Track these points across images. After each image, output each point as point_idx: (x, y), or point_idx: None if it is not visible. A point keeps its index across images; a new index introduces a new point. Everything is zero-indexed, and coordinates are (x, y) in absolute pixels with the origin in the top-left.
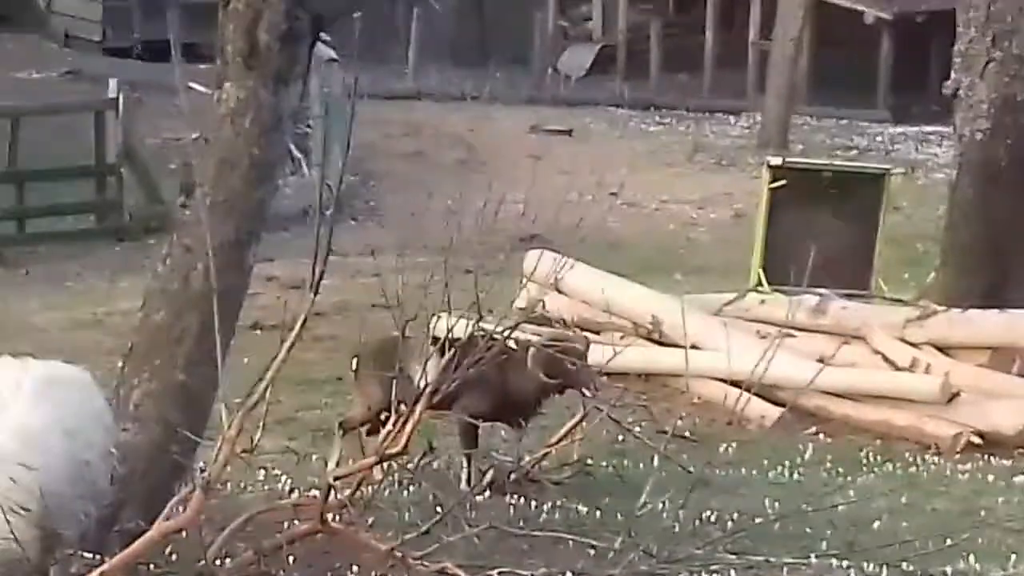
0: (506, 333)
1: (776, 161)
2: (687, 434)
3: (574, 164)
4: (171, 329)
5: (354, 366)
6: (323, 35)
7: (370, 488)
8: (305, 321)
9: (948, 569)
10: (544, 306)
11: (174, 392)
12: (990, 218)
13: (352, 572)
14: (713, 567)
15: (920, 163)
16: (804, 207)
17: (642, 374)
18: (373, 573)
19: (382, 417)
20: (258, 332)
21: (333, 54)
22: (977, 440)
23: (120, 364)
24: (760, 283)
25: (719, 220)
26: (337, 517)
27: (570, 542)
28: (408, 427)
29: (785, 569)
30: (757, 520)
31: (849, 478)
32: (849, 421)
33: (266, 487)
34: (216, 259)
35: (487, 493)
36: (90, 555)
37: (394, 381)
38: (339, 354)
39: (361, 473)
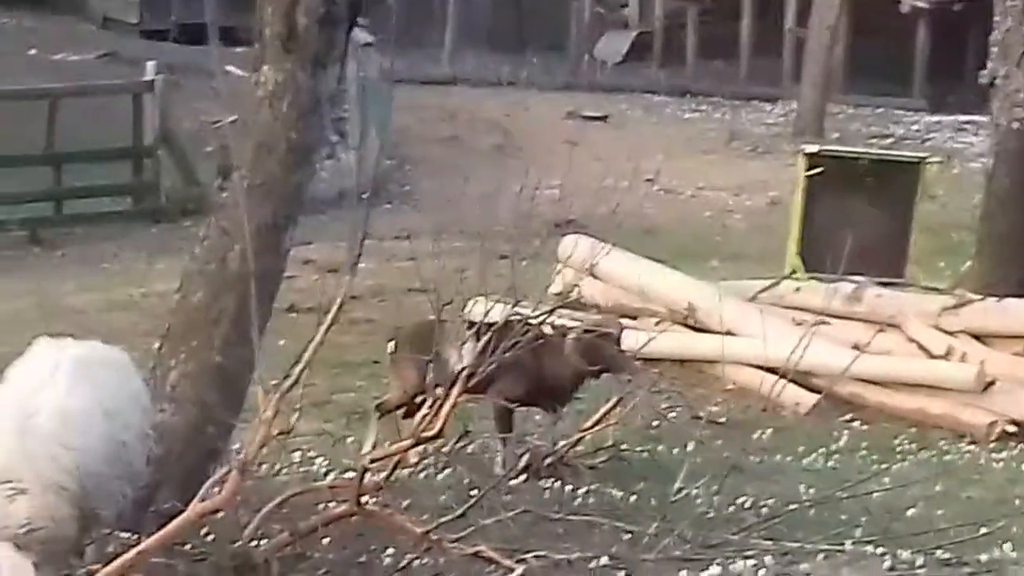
0: (542, 318)
1: (812, 149)
2: (722, 420)
3: (610, 150)
4: (208, 310)
5: (391, 349)
6: (360, 19)
7: (405, 471)
8: (342, 304)
9: (983, 557)
10: (579, 291)
11: (211, 373)
12: None
13: (387, 555)
14: (748, 553)
15: (956, 152)
16: (840, 195)
17: (677, 360)
18: (408, 556)
19: (418, 400)
20: (294, 315)
21: (370, 38)
22: (1012, 429)
23: (157, 345)
24: (795, 270)
25: (755, 207)
26: (372, 500)
27: (605, 526)
28: (444, 411)
29: (820, 556)
30: (792, 506)
31: (884, 465)
32: (884, 409)
33: (301, 469)
34: (253, 242)
35: (522, 477)
36: (126, 535)
37: (430, 365)
38: (375, 337)
39: (396, 456)
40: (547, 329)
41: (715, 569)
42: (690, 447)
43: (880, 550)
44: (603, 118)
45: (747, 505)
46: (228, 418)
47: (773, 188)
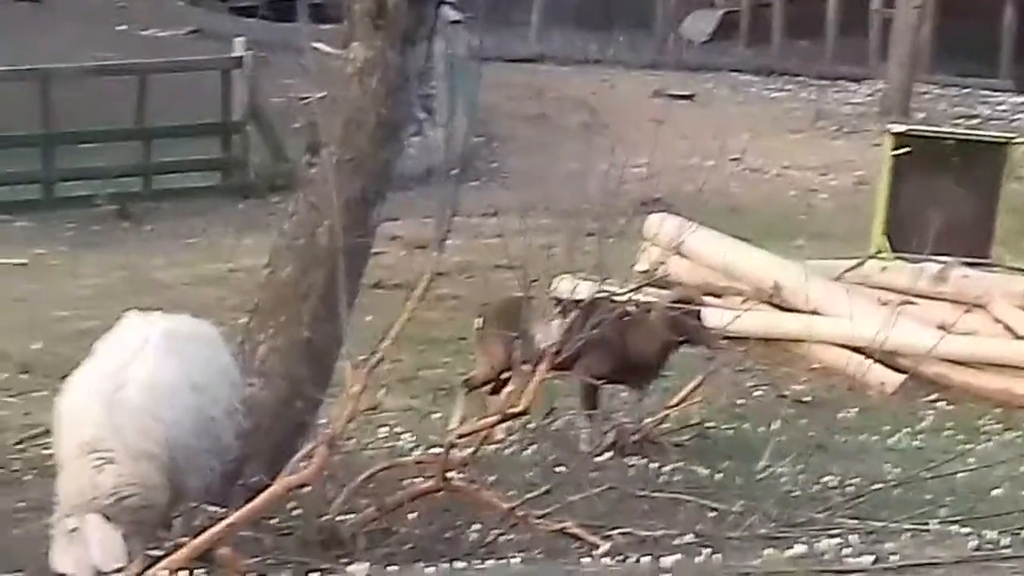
0: (628, 295)
1: (899, 128)
2: (807, 399)
3: (696, 129)
4: (297, 286)
5: (478, 326)
6: None
7: (491, 447)
8: (430, 281)
9: None
10: (665, 269)
11: (299, 348)
12: None
13: (472, 530)
14: (833, 532)
15: None
16: (926, 175)
17: (763, 339)
18: (493, 531)
19: (504, 377)
20: (381, 291)
21: (458, 15)
22: None
23: (246, 320)
24: (881, 250)
25: (841, 187)
26: (458, 475)
27: (690, 504)
28: (530, 387)
29: (905, 535)
30: (877, 486)
31: (969, 446)
32: (969, 389)
33: (388, 445)
34: (342, 217)
35: (608, 454)
36: (214, 508)
37: (517, 341)
38: (462, 314)
39: (483, 432)
40: (631, 307)
41: (800, 548)
42: (775, 426)
43: (965, 530)
44: (689, 97)
45: (832, 484)
46: (316, 393)
47: (859, 168)
